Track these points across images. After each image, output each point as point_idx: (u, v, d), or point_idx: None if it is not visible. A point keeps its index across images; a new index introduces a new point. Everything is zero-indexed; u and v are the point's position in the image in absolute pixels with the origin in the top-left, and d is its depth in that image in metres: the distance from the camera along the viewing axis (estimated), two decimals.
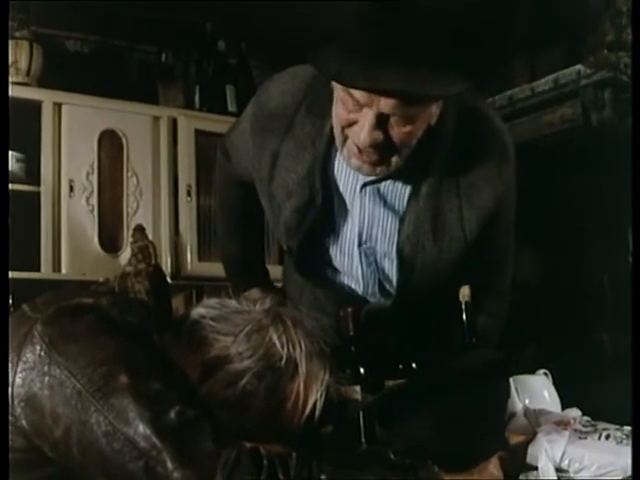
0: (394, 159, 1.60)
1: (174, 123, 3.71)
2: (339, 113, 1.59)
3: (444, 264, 1.75)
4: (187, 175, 3.66)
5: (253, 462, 1.14)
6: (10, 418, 1.16)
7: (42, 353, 1.17)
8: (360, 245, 1.80)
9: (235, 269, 2.21)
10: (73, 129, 3.44)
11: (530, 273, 3.41)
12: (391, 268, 1.81)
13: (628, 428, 1.70)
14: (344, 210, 1.79)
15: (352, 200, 1.77)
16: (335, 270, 1.88)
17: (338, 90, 1.57)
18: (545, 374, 2.30)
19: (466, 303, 1.67)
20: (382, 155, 1.59)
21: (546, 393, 2.23)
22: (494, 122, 1.79)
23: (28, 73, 3.46)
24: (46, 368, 1.16)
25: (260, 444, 1.19)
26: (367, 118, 1.51)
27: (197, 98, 3.94)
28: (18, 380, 1.17)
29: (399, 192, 1.74)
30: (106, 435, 1.13)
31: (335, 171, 1.76)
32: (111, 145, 3.54)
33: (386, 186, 1.74)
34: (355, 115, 1.54)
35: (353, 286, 1.87)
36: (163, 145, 3.66)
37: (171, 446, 1.11)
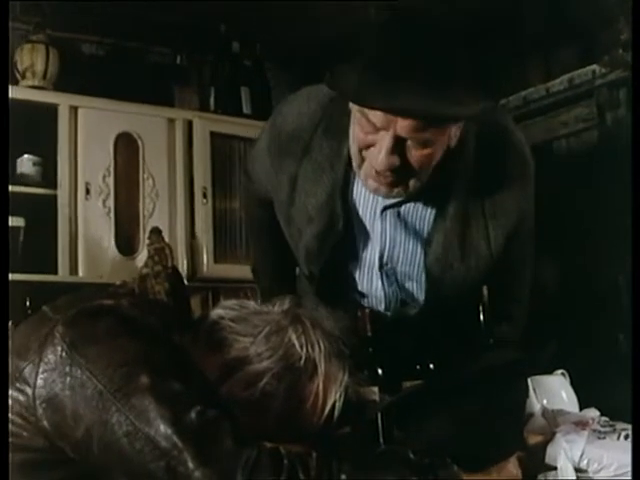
0: (412, 182, 1.58)
1: (189, 125, 3.72)
2: (356, 135, 1.57)
3: (470, 280, 1.74)
4: (203, 177, 3.67)
5: (273, 462, 1.14)
6: (31, 418, 1.17)
7: (63, 354, 1.18)
8: (381, 267, 1.79)
9: (267, 283, 2.20)
10: (89, 132, 3.45)
11: (547, 274, 3.41)
12: (413, 287, 1.80)
13: None
14: (364, 233, 1.77)
15: (372, 223, 1.75)
16: (358, 292, 1.87)
17: (355, 111, 1.56)
18: (562, 374, 2.30)
19: (484, 305, 1.68)
20: (400, 178, 1.57)
21: (564, 393, 2.23)
22: (514, 135, 1.78)
23: (44, 76, 3.47)
24: (67, 369, 1.17)
25: (280, 444, 1.19)
26: (384, 141, 1.49)
27: (212, 100, 3.96)
28: (40, 381, 1.17)
29: (420, 214, 1.73)
30: (127, 435, 1.13)
31: (354, 195, 1.74)
32: (127, 148, 3.55)
33: (407, 209, 1.72)
34: (372, 137, 1.52)
35: (374, 304, 1.86)
36: (179, 147, 3.67)
37: (192, 446, 1.11)
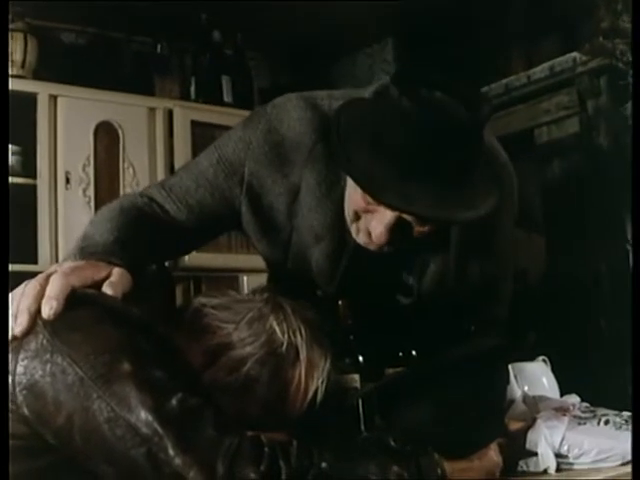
0: (404, 244, 1.53)
1: (170, 114, 3.70)
2: (355, 200, 1.50)
3: (461, 295, 1.72)
4: None
5: (254, 450, 1.14)
6: (11, 406, 1.17)
7: (44, 341, 1.18)
8: None
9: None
10: (69, 121, 3.43)
11: (529, 261, 3.42)
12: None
13: (627, 413, 1.71)
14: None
15: None
16: None
17: None
18: (544, 361, 2.31)
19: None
20: (393, 243, 1.50)
21: (545, 380, 2.24)
22: (500, 156, 1.74)
23: (23, 65, 3.45)
24: (48, 356, 1.16)
25: (262, 431, 1.20)
26: (385, 218, 1.44)
27: (193, 89, 3.94)
28: (20, 368, 1.17)
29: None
30: (108, 422, 1.13)
31: None
32: (107, 137, 3.53)
33: None
34: (373, 207, 1.46)
35: None
36: (159, 136, 3.65)
37: (173, 433, 1.12)
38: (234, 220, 1.73)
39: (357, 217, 1.53)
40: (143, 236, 1.61)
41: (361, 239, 1.54)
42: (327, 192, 1.63)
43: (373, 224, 1.48)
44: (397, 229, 1.46)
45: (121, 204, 1.70)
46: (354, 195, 1.50)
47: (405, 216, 1.43)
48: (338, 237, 1.65)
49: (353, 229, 1.55)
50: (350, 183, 1.52)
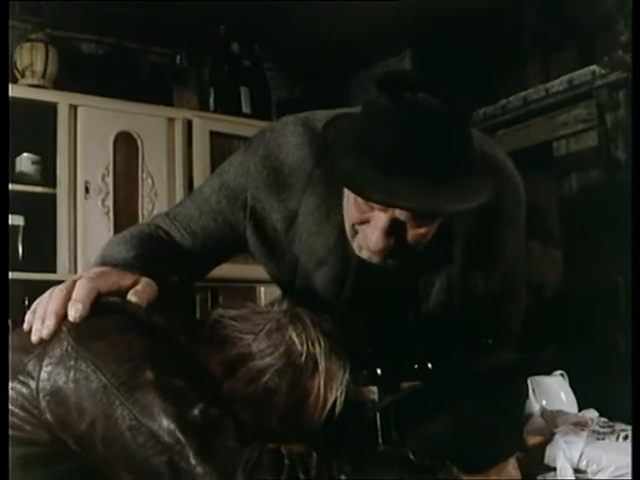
0: (407, 255, 1.51)
1: (189, 125, 3.71)
2: (351, 212, 1.50)
3: (469, 310, 1.69)
4: (202, 176, 3.65)
5: (274, 461, 1.14)
6: (35, 412, 1.17)
7: (69, 348, 1.19)
8: None
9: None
10: (89, 131, 3.44)
11: (546, 274, 3.41)
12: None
13: None
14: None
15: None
16: None
17: None
18: (562, 375, 2.30)
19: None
20: (394, 253, 1.49)
21: (563, 394, 2.24)
22: (505, 168, 1.71)
23: (44, 75, 3.46)
24: (72, 362, 1.17)
25: (281, 443, 1.20)
26: (379, 222, 1.42)
27: (211, 100, 3.95)
28: (43, 374, 1.18)
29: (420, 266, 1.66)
30: (130, 429, 1.13)
31: None
32: (126, 147, 3.53)
33: None
34: (368, 215, 1.45)
35: None
36: (178, 147, 3.66)
37: (194, 442, 1.12)
38: (240, 244, 1.74)
39: (355, 232, 1.52)
40: (158, 255, 1.64)
41: (364, 254, 1.53)
42: (327, 215, 1.63)
43: (369, 233, 1.46)
44: (393, 233, 1.44)
45: (131, 232, 1.73)
46: (349, 208, 1.51)
47: (398, 215, 1.41)
48: (341, 259, 1.64)
49: (355, 246, 1.54)
50: (345, 197, 1.53)
